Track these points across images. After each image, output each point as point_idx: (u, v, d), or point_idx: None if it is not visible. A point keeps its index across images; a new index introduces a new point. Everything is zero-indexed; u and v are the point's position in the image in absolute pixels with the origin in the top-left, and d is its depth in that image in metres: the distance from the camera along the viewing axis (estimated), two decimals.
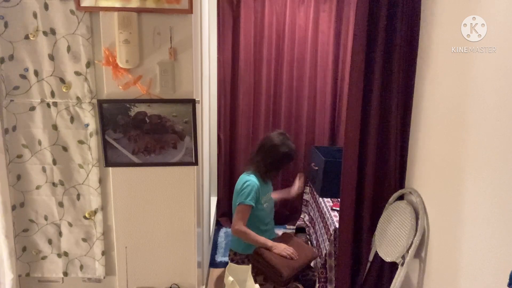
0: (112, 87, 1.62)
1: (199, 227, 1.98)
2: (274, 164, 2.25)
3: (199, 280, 1.95)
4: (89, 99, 1.65)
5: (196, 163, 1.72)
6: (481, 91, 1.37)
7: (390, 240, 1.86)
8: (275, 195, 2.48)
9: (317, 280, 2.30)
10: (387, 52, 1.86)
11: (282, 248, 2.08)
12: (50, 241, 1.79)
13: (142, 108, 1.63)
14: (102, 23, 1.57)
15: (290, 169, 3.46)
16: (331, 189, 2.68)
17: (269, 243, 2.11)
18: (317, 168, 2.87)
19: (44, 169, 1.71)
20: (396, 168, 1.95)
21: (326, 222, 2.43)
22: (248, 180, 2.17)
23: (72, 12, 1.56)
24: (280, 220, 3.43)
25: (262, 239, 2.12)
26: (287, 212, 3.55)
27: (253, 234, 2.11)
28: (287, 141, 2.26)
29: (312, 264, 2.39)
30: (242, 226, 2.10)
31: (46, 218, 1.76)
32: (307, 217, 3.14)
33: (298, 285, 2.12)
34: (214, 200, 3.41)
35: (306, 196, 3.27)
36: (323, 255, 2.32)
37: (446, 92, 1.62)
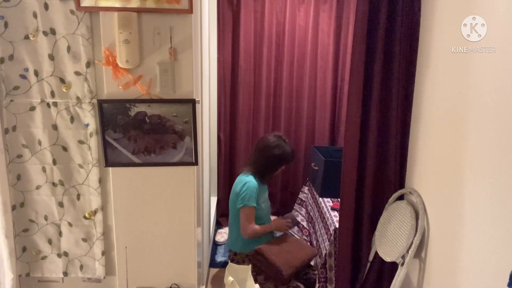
0: (112, 87, 1.62)
1: (199, 227, 1.98)
2: (267, 166, 2.24)
3: (199, 280, 1.95)
4: (89, 99, 1.65)
5: (196, 163, 1.72)
6: (481, 91, 1.37)
7: (390, 240, 1.86)
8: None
9: (317, 280, 2.30)
10: (387, 52, 1.86)
11: (281, 223, 2.26)
12: (50, 241, 1.79)
13: (142, 108, 1.63)
14: (102, 23, 1.57)
15: (290, 170, 3.47)
16: (331, 189, 2.68)
17: (272, 226, 2.26)
18: (317, 168, 2.87)
19: (44, 169, 1.71)
20: (396, 168, 1.95)
21: (326, 222, 2.43)
22: (246, 181, 2.16)
23: (72, 12, 1.56)
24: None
25: (266, 227, 2.22)
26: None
27: (260, 229, 2.17)
28: (283, 143, 2.23)
29: (312, 262, 2.39)
30: (251, 228, 2.14)
31: (46, 218, 1.76)
32: (300, 217, 3.12)
33: (299, 284, 2.12)
34: (214, 200, 3.40)
35: (302, 195, 3.25)
36: (323, 255, 2.32)
37: (446, 92, 1.62)
